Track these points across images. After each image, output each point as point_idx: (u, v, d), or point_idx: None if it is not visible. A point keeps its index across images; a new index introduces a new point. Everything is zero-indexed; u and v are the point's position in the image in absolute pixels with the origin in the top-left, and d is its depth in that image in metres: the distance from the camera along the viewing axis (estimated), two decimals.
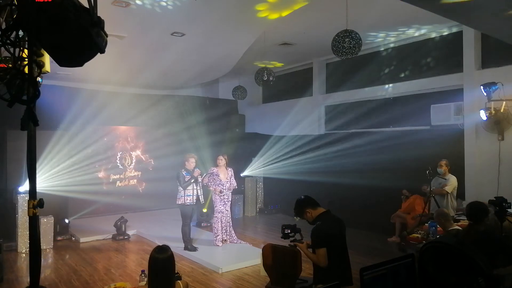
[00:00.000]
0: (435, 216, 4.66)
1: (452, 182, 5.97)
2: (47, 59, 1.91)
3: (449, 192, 5.90)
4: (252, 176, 10.56)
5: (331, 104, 9.53)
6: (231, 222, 7.19)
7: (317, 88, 9.72)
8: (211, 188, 7.02)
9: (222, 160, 7.04)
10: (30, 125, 1.50)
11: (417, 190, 6.78)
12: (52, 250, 7.11)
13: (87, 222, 8.92)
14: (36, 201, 1.57)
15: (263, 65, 8.15)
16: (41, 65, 1.48)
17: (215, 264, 5.97)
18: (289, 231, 3.64)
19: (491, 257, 2.42)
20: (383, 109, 8.18)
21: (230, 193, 7.16)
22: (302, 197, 3.51)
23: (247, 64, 8.98)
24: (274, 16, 5.88)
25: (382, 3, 5.83)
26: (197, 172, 6.79)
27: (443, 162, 6.13)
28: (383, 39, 7.94)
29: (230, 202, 7.15)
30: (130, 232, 8.11)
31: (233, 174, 7.17)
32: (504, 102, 5.98)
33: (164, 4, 5.19)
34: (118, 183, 10.25)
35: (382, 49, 8.35)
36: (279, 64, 10.03)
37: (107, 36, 1.46)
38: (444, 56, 7.39)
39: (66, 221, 7.94)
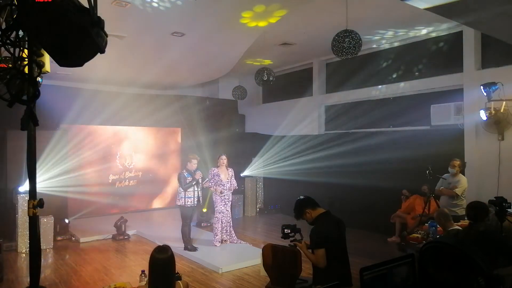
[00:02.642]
0: (435, 216, 4.66)
1: (463, 183, 5.80)
2: (47, 59, 1.92)
3: (459, 194, 5.74)
4: (252, 176, 10.55)
5: (331, 104, 9.54)
6: (231, 222, 7.19)
7: (317, 88, 9.72)
8: (212, 188, 7.00)
9: (224, 160, 7.03)
10: (30, 125, 1.51)
11: (417, 190, 6.78)
12: (52, 250, 7.11)
13: (87, 222, 8.92)
14: (36, 201, 1.57)
15: (259, 63, 8.06)
16: (41, 65, 1.48)
17: (215, 264, 5.97)
18: (289, 231, 3.63)
19: (491, 257, 2.42)
20: (383, 109, 8.17)
21: (231, 193, 7.15)
22: (302, 197, 3.51)
23: (247, 64, 8.98)
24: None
25: (382, 3, 5.83)
26: (198, 174, 6.76)
27: (457, 163, 5.90)
28: (383, 39, 7.94)
29: (230, 202, 7.15)
30: (130, 232, 8.11)
31: (233, 174, 7.17)
32: (504, 102, 5.98)
33: (163, 4, 5.19)
34: (118, 183, 10.25)
35: (382, 49, 8.35)
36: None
37: (107, 36, 1.46)
38: (444, 56, 7.39)
39: (66, 221, 7.94)
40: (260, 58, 8.95)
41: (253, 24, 5.82)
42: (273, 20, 5.83)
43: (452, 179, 5.93)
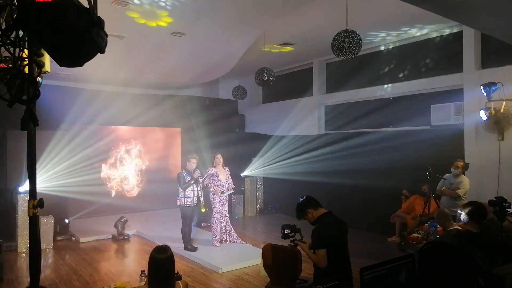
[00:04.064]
0: (435, 216, 4.66)
1: (465, 185, 5.77)
2: (47, 59, 1.92)
3: (461, 195, 5.72)
4: (252, 176, 10.55)
5: (331, 104, 9.54)
6: (229, 221, 7.19)
7: (317, 88, 9.72)
8: (211, 190, 6.97)
9: (220, 159, 7.01)
10: (30, 125, 1.51)
11: (417, 190, 6.78)
12: (52, 250, 7.11)
13: (87, 222, 8.91)
14: (36, 201, 1.57)
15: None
16: (41, 65, 1.48)
17: (215, 264, 5.97)
18: (289, 231, 3.63)
19: (491, 257, 2.42)
20: (383, 109, 8.17)
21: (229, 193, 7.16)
22: (304, 197, 3.50)
23: (247, 64, 8.96)
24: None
25: (382, 3, 5.83)
26: (196, 173, 6.77)
27: (460, 164, 5.86)
28: (383, 39, 7.94)
29: (227, 202, 7.15)
30: (130, 232, 8.11)
31: (229, 173, 7.16)
32: (504, 102, 5.98)
33: (164, 4, 5.19)
34: (118, 183, 10.24)
35: (382, 49, 8.35)
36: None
37: (107, 36, 1.46)
38: (444, 56, 7.39)
39: (66, 221, 7.94)
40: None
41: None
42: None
43: (454, 179, 5.90)
